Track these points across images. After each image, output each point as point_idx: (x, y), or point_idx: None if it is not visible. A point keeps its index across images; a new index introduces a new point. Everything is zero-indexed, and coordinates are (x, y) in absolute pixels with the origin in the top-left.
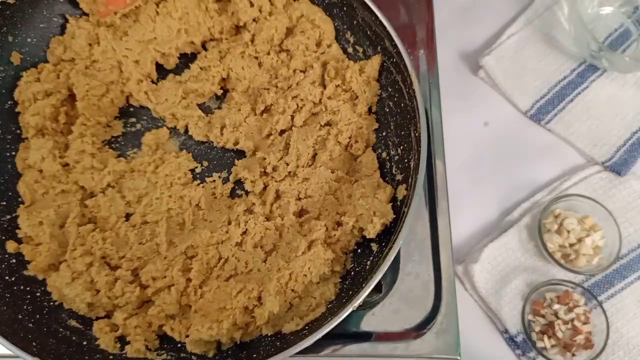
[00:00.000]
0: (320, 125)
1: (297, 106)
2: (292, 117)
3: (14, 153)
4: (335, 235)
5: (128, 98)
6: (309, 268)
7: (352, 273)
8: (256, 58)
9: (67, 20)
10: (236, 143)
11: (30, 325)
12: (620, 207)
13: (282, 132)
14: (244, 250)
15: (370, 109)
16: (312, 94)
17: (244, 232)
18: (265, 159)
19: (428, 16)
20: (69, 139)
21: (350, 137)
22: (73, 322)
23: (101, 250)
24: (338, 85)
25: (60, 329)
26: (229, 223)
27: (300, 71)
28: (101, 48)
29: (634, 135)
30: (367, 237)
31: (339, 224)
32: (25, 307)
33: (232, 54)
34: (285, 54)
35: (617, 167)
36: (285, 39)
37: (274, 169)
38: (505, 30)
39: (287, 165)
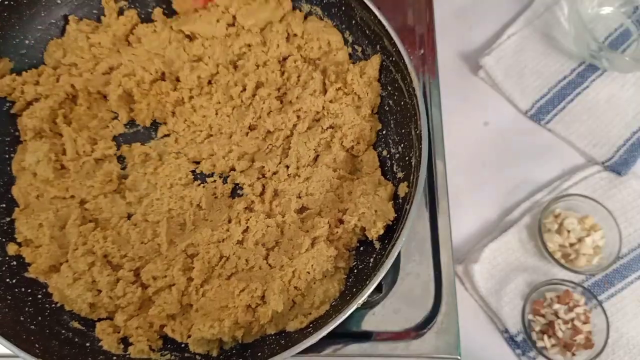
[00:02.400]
0: (322, 129)
1: (298, 118)
2: (295, 125)
3: (12, 155)
4: (337, 232)
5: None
6: (312, 265)
7: (355, 271)
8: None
9: (67, 22)
10: (232, 169)
11: (33, 327)
12: (620, 207)
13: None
14: (245, 248)
15: (372, 109)
16: (315, 105)
17: (245, 230)
18: (264, 167)
19: (428, 16)
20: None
21: (353, 140)
22: (75, 324)
23: (103, 249)
24: (339, 88)
25: (63, 331)
26: (230, 221)
27: (301, 86)
28: (103, 53)
29: (634, 135)
30: (370, 238)
31: (340, 221)
32: (27, 309)
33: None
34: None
35: (617, 167)
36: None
37: (274, 173)
38: (505, 30)
39: (287, 168)
